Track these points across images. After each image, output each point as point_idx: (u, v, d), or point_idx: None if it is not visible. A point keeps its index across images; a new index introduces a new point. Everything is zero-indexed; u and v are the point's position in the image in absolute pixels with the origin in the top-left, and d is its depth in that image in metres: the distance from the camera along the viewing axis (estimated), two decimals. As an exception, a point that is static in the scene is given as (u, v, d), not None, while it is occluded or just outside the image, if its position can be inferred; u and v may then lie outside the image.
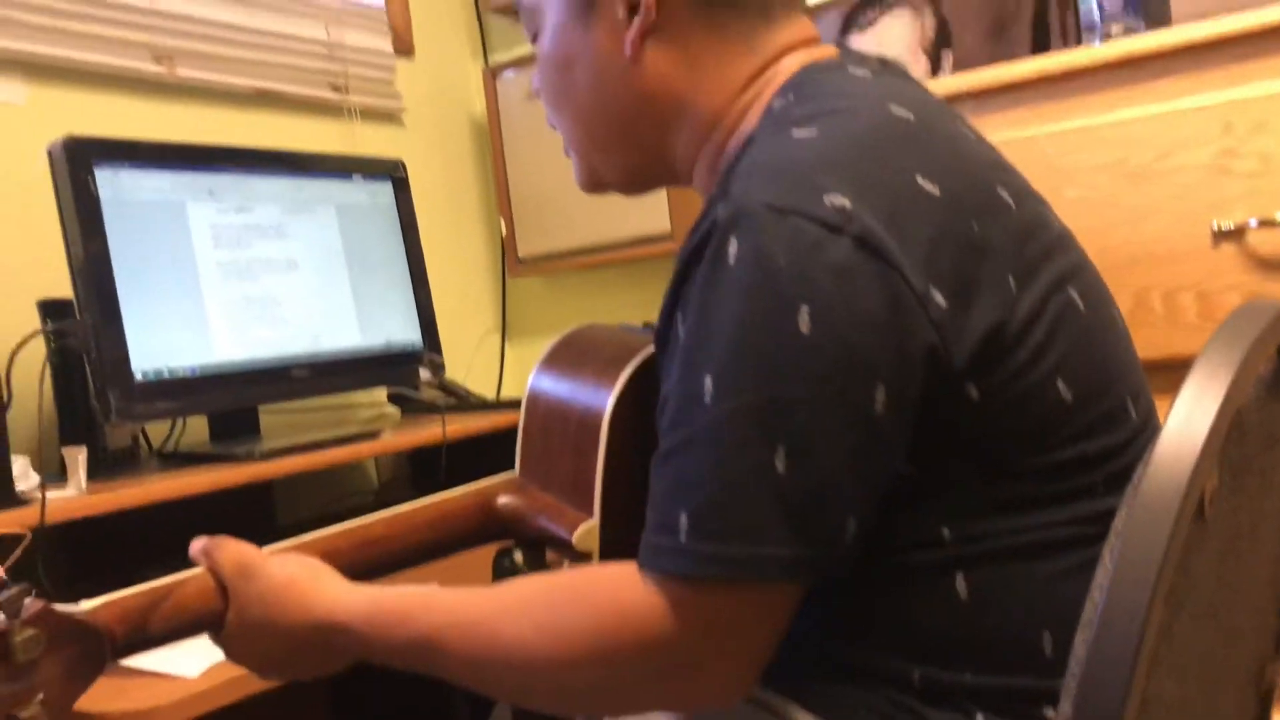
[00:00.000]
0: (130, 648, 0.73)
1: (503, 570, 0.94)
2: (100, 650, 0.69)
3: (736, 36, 0.78)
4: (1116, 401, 0.69)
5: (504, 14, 2.18)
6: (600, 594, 0.66)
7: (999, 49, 1.70)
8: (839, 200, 0.61)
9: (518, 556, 0.93)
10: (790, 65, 0.78)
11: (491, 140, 2.17)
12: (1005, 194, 0.69)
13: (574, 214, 2.06)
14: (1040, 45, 1.66)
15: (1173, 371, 1.14)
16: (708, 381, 0.62)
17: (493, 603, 0.70)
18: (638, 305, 2.12)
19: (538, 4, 0.83)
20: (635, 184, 0.87)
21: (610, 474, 0.85)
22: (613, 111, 0.81)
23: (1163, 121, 1.15)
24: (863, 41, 1.83)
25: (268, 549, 0.81)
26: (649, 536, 0.65)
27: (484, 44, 2.25)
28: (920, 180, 0.64)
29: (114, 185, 1.30)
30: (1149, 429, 0.72)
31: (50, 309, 1.36)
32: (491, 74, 2.15)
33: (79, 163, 1.27)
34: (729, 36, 0.78)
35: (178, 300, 1.35)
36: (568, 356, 0.95)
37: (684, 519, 0.62)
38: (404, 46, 2.12)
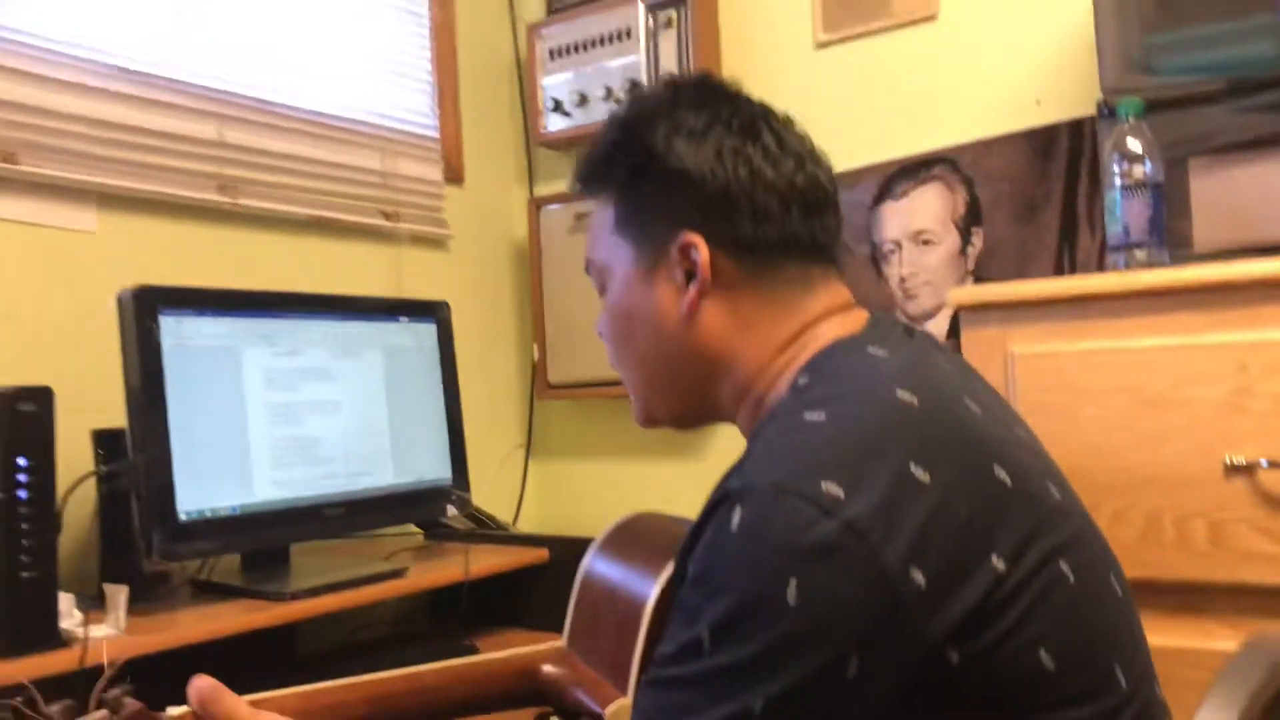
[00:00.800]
0: None
1: None
2: None
3: (780, 302, 0.87)
4: (1104, 670, 0.73)
5: (551, 147, 2.27)
6: None
7: (1028, 231, 1.76)
8: (834, 488, 0.68)
9: None
10: (823, 334, 0.86)
11: (531, 268, 2.24)
12: (1002, 473, 0.74)
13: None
14: (1069, 231, 1.72)
15: (1181, 594, 1.19)
16: (706, 633, 0.69)
17: None
18: (655, 437, 2.17)
19: (608, 263, 0.93)
20: (686, 424, 0.96)
21: (647, 658, 0.91)
22: (668, 362, 0.90)
23: (1180, 353, 1.20)
24: (895, 210, 1.90)
25: (320, 685, 0.90)
26: None
27: (530, 175, 2.34)
28: (913, 469, 0.70)
29: (176, 332, 1.37)
30: (1141, 694, 0.75)
31: (103, 439, 1.42)
32: (536, 205, 2.24)
33: (145, 309, 1.34)
34: (774, 301, 0.87)
35: (225, 441, 1.41)
36: (622, 541, 1.05)
37: None
38: (454, 175, 2.21)
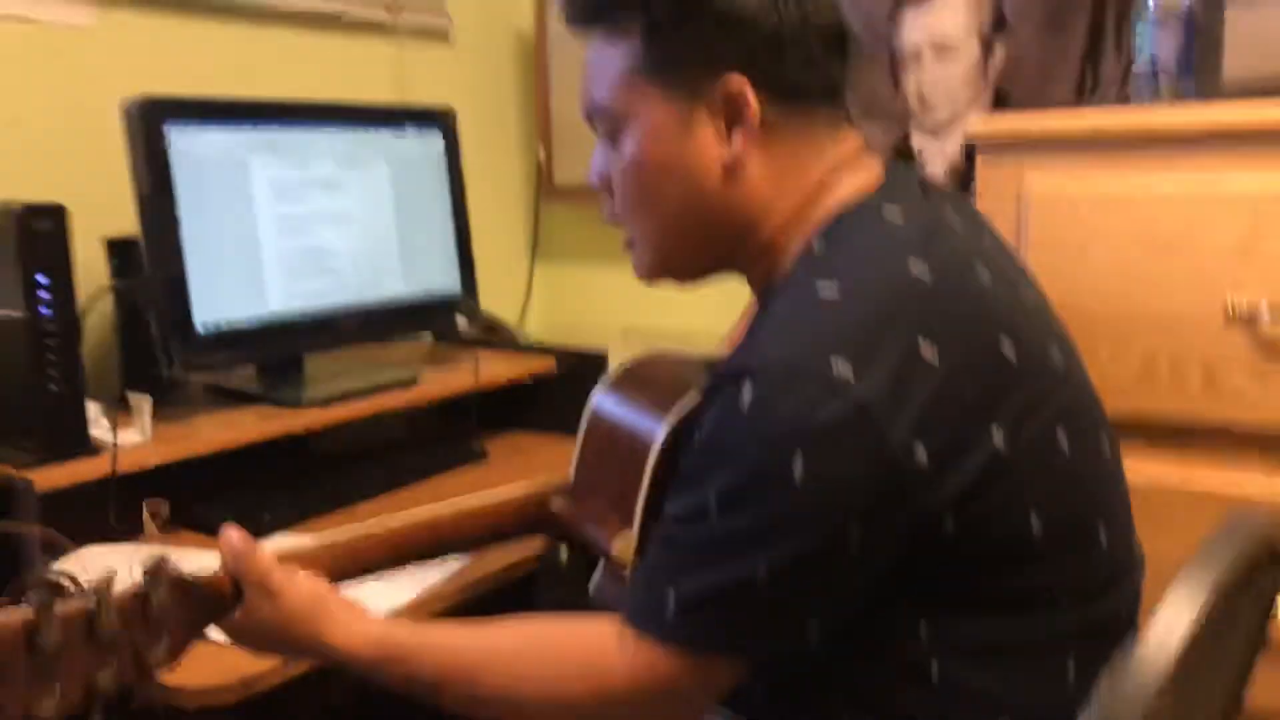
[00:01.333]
0: None
1: (549, 566, 1.10)
2: (215, 608, 0.83)
3: (811, 149, 0.84)
4: (1087, 530, 0.78)
5: (560, -66, 2.15)
6: (583, 651, 0.80)
7: (1052, 46, 1.70)
8: (843, 368, 0.70)
9: (563, 555, 1.08)
10: (842, 188, 0.84)
11: (536, 62, 2.18)
12: (1008, 347, 0.76)
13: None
14: (1094, 50, 1.66)
15: (1170, 434, 1.24)
16: (712, 498, 0.73)
17: (486, 649, 0.83)
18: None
19: (626, 109, 0.85)
20: (695, 279, 0.93)
21: (651, 495, 0.96)
22: (700, 216, 0.85)
23: (1194, 200, 1.19)
24: (918, 15, 1.83)
25: (341, 534, 0.94)
26: (638, 599, 0.78)
27: (537, -37, 2.23)
28: (921, 347, 0.72)
29: (184, 143, 1.35)
30: (1119, 550, 0.81)
31: (117, 247, 1.43)
32: (547, -4, 2.14)
33: (153, 123, 1.31)
34: (805, 148, 0.84)
35: (237, 254, 1.42)
36: (631, 382, 1.07)
37: (673, 597, 0.75)
38: (458, -37, 2.11)
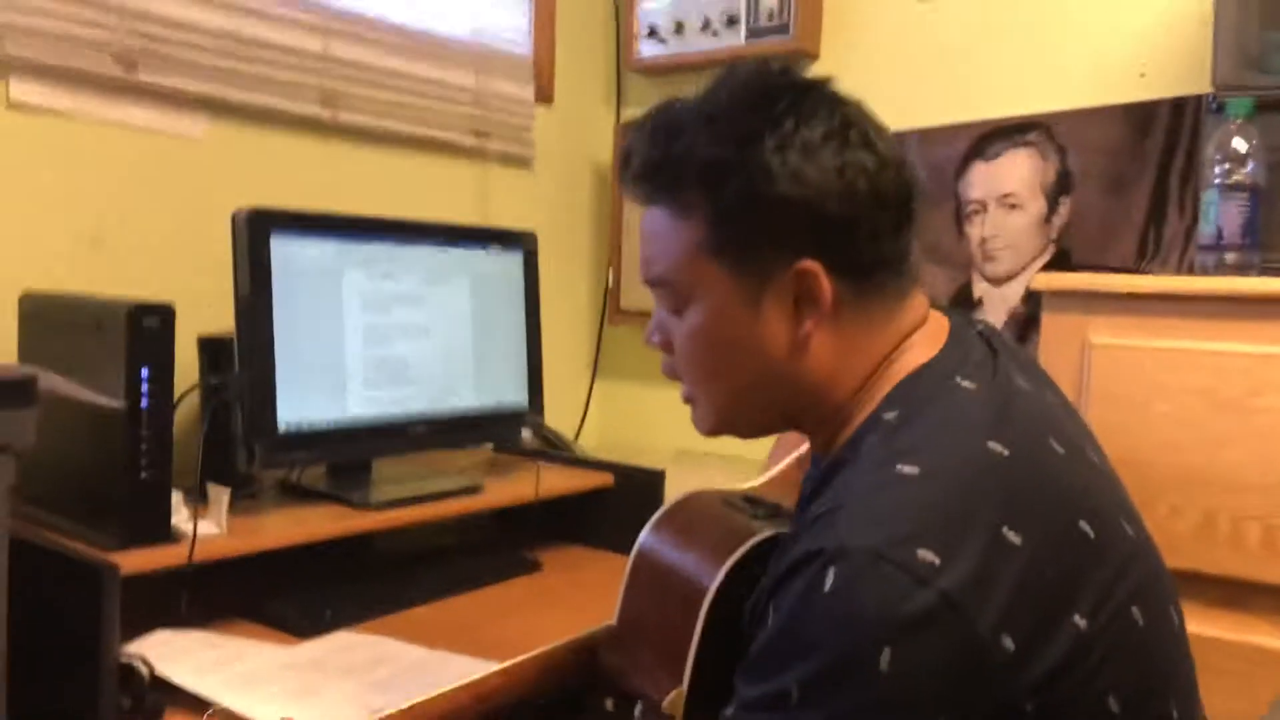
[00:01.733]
0: None
1: (596, 713, 1.05)
2: None
3: (879, 321, 0.85)
4: (1161, 709, 0.77)
5: (642, 73, 2.27)
6: None
7: (1115, 206, 1.76)
8: (930, 556, 0.69)
9: (609, 705, 1.04)
10: (909, 355, 0.84)
11: (613, 193, 2.28)
12: (1086, 526, 0.76)
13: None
14: (1157, 211, 1.71)
15: (1228, 588, 1.24)
16: (794, 686, 0.71)
17: None
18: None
19: (693, 283, 0.85)
20: (759, 436, 0.95)
21: (703, 651, 0.95)
22: (765, 390, 0.87)
23: (1258, 361, 1.22)
24: (985, 170, 1.90)
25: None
26: None
27: (619, 99, 2.35)
28: (1006, 531, 0.72)
29: (285, 252, 1.43)
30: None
31: (207, 345, 1.50)
32: (623, 129, 2.25)
33: (258, 232, 1.40)
34: (874, 321, 0.85)
35: (323, 360, 1.49)
36: (677, 525, 1.05)
37: None
38: (544, 95, 2.23)
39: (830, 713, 0.70)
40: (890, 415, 0.80)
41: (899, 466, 0.75)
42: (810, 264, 0.81)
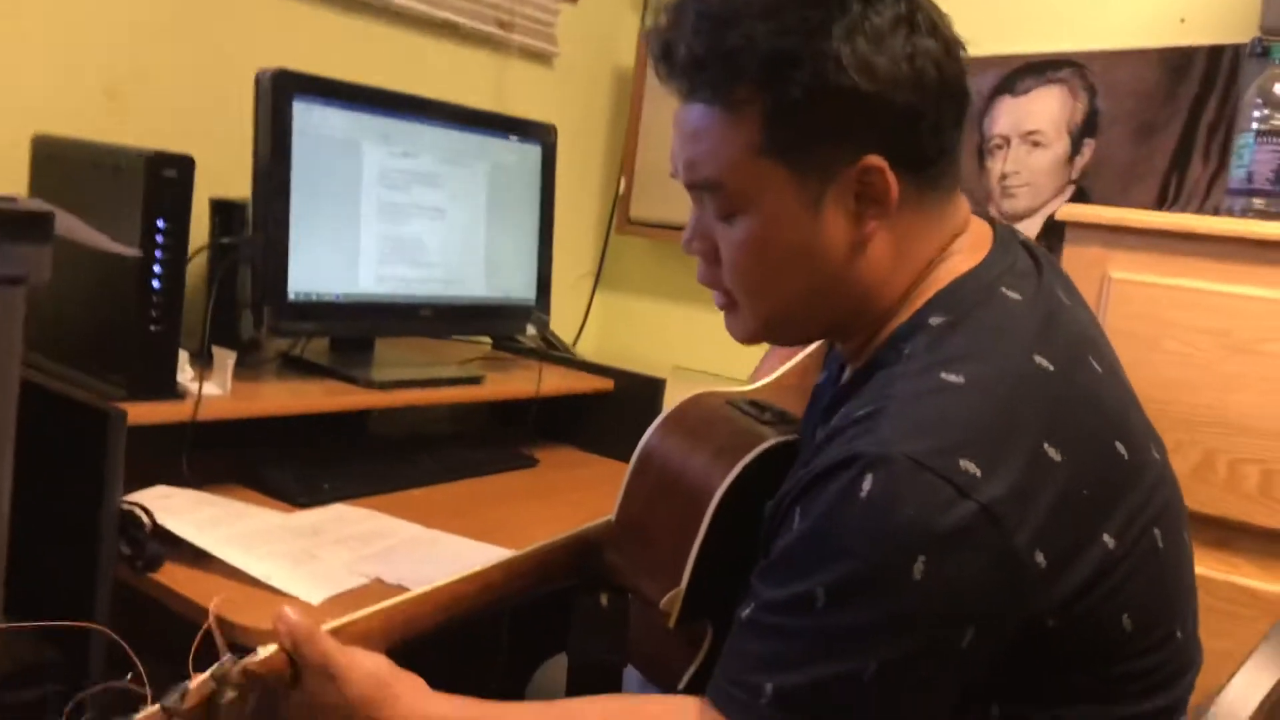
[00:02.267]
0: None
1: (588, 607, 1.04)
2: (276, 692, 0.80)
3: (934, 218, 0.82)
4: (1169, 629, 0.79)
5: (671, -21, 2.22)
6: None
7: (1139, 151, 1.75)
8: (972, 467, 0.68)
9: (603, 599, 1.04)
10: (953, 260, 0.82)
11: (632, 100, 2.24)
12: (1122, 447, 0.76)
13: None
14: (1182, 158, 1.71)
15: (1220, 530, 1.26)
16: (821, 591, 0.70)
17: None
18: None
19: (747, 186, 0.80)
20: (804, 344, 0.94)
21: (704, 552, 0.94)
22: (819, 295, 0.82)
23: (1273, 306, 1.23)
24: (1012, 106, 1.88)
25: (393, 601, 0.91)
26: (727, 684, 0.74)
27: (645, 3, 2.30)
28: (1047, 447, 0.71)
29: (306, 118, 1.40)
30: (1190, 643, 0.82)
31: (220, 208, 1.48)
32: (647, 36, 2.21)
33: (282, 94, 1.37)
34: (929, 218, 0.82)
35: (338, 231, 1.47)
36: (684, 426, 1.03)
37: (769, 688, 0.71)
38: (571, -8, 2.19)
39: (855, 619, 0.69)
40: (936, 320, 0.78)
41: (944, 374, 0.73)
42: (876, 159, 0.77)
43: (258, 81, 1.37)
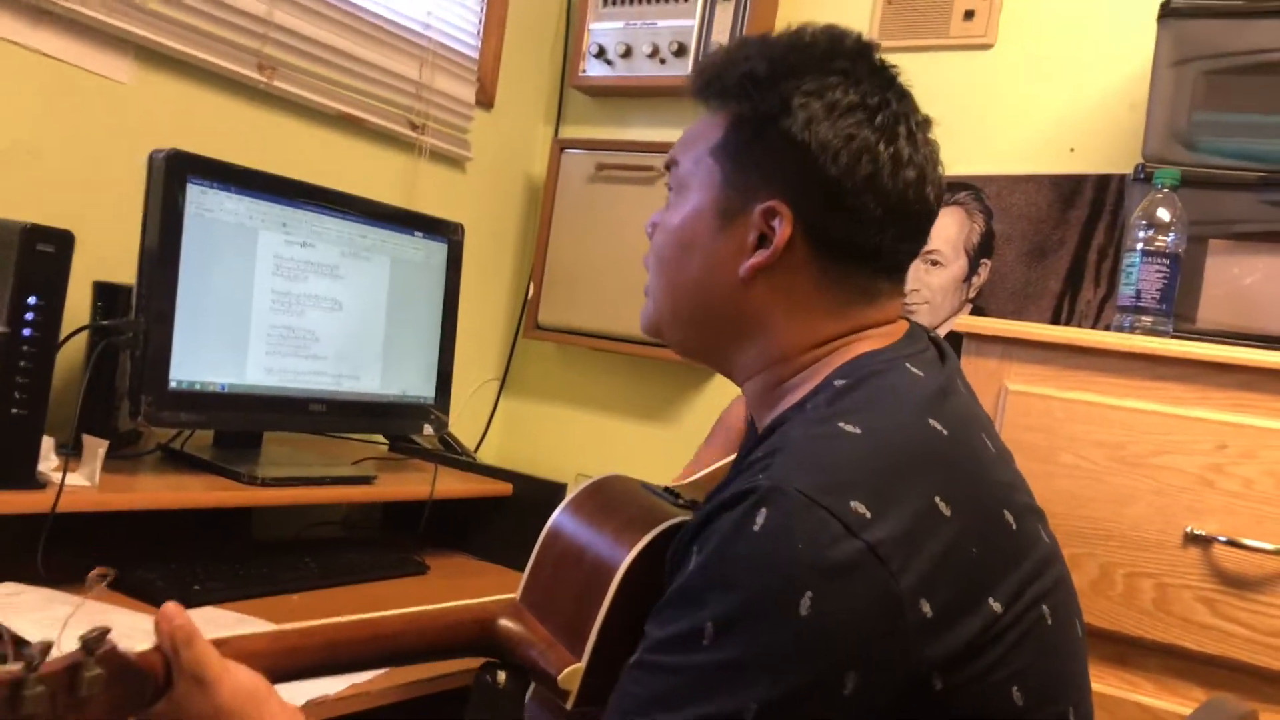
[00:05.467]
0: None
1: (484, 686, 1.01)
2: (144, 692, 0.76)
3: (835, 303, 0.85)
4: (1060, 709, 0.77)
5: (586, 93, 2.26)
6: None
7: (1034, 272, 1.80)
8: (861, 508, 0.69)
9: (501, 676, 1.00)
10: (865, 339, 0.85)
11: (543, 207, 2.25)
12: (1009, 516, 0.77)
13: (600, 298, 2.14)
14: (1075, 279, 1.76)
15: (1118, 645, 1.25)
16: (709, 626, 0.70)
17: None
18: (632, 395, 2.20)
19: (690, 179, 0.89)
20: (687, 356, 0.96)
21: (606, 627, 0.92)
22: (701, 303, 0.88)
23: (1165, 421, 1.25)
24: (911, 224, 1.92)
25: (282, 627, 0.87)
26: None
27: (559, 115, 2.33)
28: (938, 501, 0.73)
29: (200, 201, 1.36)
30: None
31: (104, 291, 1.42)
32: (560, 146, 2.23)
33: (175, 175, 1.33)
34: (831, 303, 0.85)
35: (227, 319, 1.41)
36: (594, 504, 1.02)
37: None
38: (486, 99, 2.20)
39: (739, 654, 0.68)
40: (839, 382, 0.81)
41: (841, 424, 0.75)
42: (782, 206, 0.83)
43: (150, 160, 1.33)
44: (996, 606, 0.73)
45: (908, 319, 0.91)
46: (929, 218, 0.86)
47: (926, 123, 0.87)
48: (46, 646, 0.69)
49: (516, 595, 1.03)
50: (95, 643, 0.71)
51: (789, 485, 0.70)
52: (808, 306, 0.85)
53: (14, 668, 0.67)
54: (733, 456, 1.21)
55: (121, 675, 0.74)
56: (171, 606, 0.78)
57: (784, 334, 0.86)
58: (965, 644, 0.71)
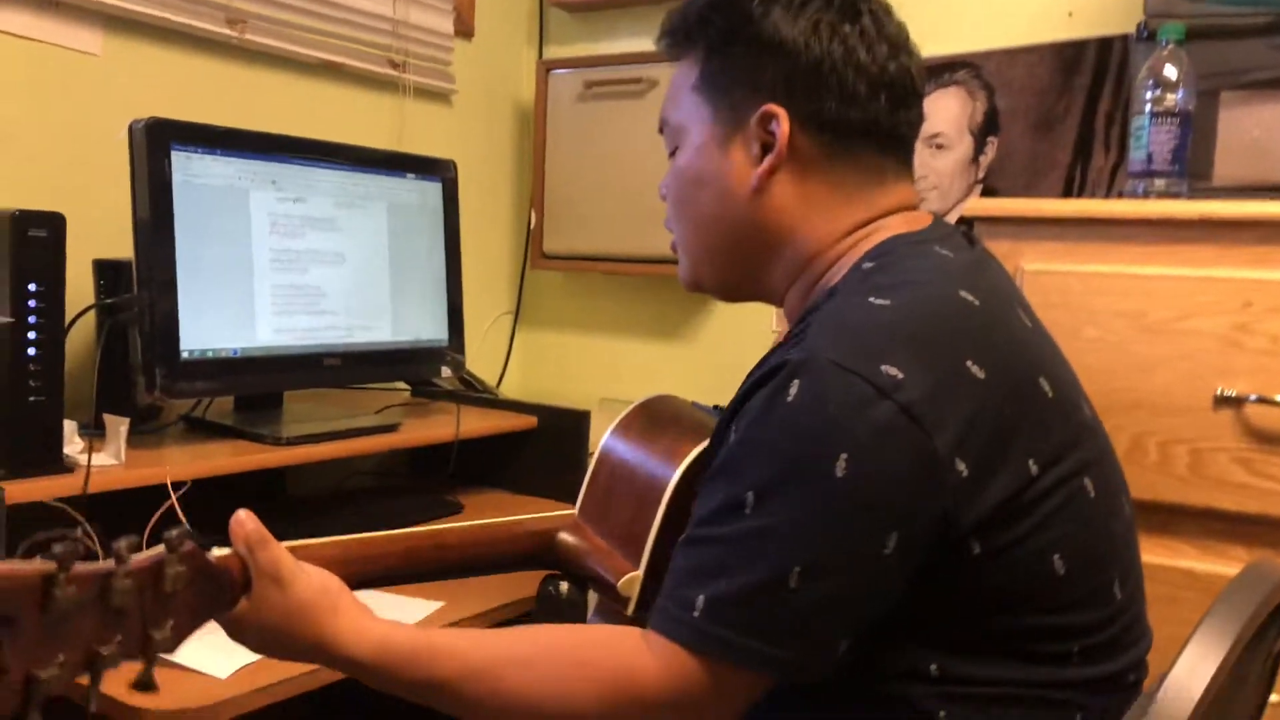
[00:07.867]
0: None
1: (547, 596, 1.06)
2: (223, 593, 0.78)
3: (850, 190, 0.86)
4: (1104, 581, 0.78)
5: (565, 9, 2.21)
6: (607, 658, 0.76)
7: (1041, 145, 1.76)
8: (894, 370, 0.70)
9: (564, 586, 1.05)
10: (889, 226, 0.86)
11: (535, 133, 2.21)
12: (1046, 385, 0.77)
13: (603, 220, 2.11)
14: (1084, 149, 1.72)
15: (1157, 513, 1.24)
16: (750, 495, 0.72)
17: (501, 652, 0.78)
18: (646, 317, 2.19)
19: (683, 124, 0.91)
20: (731, 295, 0.96)
21: (661, 535, 0.96)
22: (728, 231, 0.89)
23: (1187, 284, 1.22)
24: (912, 109, 1.88)
25: (350, 537, 0.92)
26: (665, 604, 0.75)
27: (542, 36, 2.28)
28: (969, 364, 0.73)
29: (186, 168, 1.34)
30: (1131, 609, 0.81)
31: (105, 269, 1.40)
32: (545, 68, 2.18)
33: (157, 143, 1.31)
34: (844, 188, 0.86)
35: (230, 284, 1.40)
36: (644, 422, 1.08)
37: (701, 600, 0.72)
38: (464, 29, 2.15)
39: (780, 518, 0.70)
40: (868, 264, 0.82)
41: (871, 298, 0.76)
42: (775, 107, 0.84)
43: (131, 132, 1.31)
44: (1033, 468, 0.73)
45: (937, 217, 0.90)
46: (916, 87, 0.87)
47: (887, 6, 0.89)
48: (135, 544, 0.69)
49: (574, 511, 1.08)
50: (178, 541, 0.72)
51: (820, 355, 0.72)
52: (823, 198, 0.86)
53: (104, 564, 0.68)
54: None
55: (202, 574, 0.75)
56: (243, 513, 0.80)
57: (808, 234, 0.87)
58: (1001, 504, 0.71)
